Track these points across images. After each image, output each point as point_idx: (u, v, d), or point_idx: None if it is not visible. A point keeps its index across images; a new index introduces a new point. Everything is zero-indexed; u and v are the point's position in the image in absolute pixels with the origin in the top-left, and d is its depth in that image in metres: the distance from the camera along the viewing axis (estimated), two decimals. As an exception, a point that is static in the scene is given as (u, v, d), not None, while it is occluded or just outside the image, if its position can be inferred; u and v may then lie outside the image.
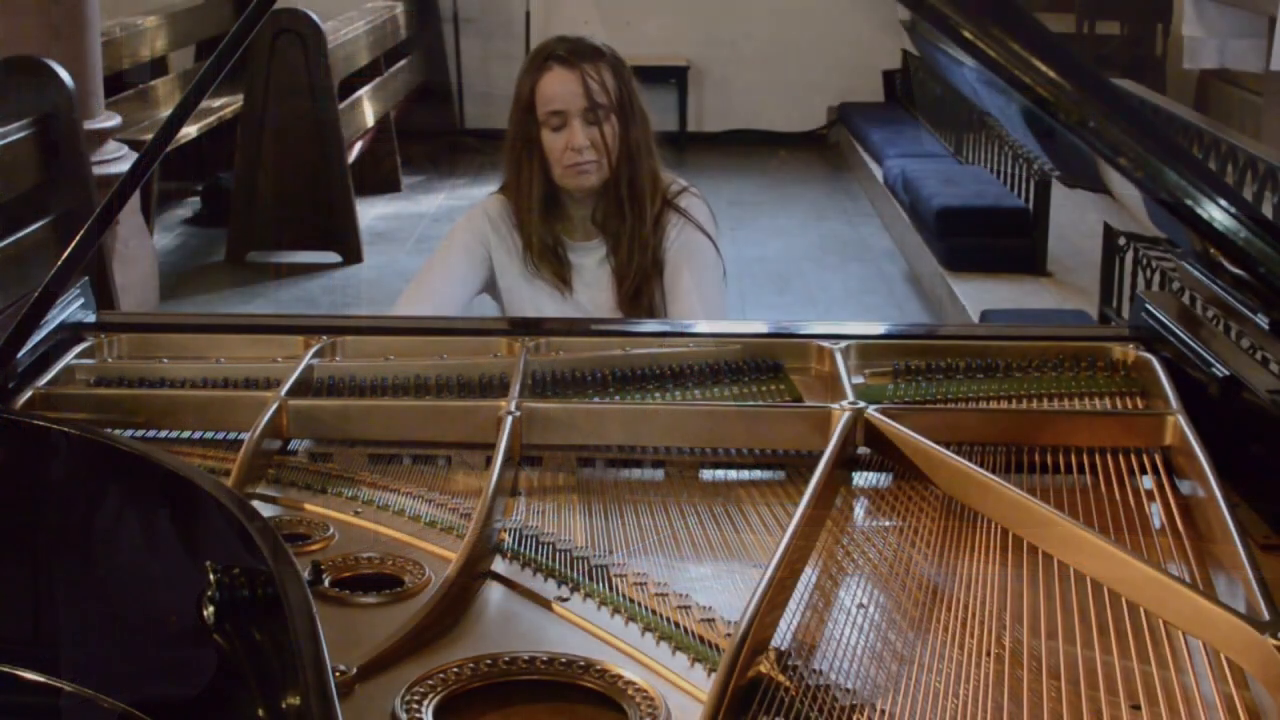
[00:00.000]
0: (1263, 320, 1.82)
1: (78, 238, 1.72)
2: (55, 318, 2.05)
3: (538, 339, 2.13)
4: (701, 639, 1.38)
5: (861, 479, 1.76)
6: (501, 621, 1.45)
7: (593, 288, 2.81)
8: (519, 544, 1.59)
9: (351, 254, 6.84)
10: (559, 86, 2.72)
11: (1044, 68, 1.55)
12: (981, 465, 1.69)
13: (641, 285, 2.77)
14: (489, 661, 1.33)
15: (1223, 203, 1.59)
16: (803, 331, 2.18)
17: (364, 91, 7.56)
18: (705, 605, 1.44)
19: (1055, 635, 1.39)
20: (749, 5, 9.52)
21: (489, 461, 1.73)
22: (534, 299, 2.80)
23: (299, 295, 6.41)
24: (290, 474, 1.80)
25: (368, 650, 1.32)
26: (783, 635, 1.37)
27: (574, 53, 2.73)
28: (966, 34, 1.55)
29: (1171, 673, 1.32)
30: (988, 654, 1.35)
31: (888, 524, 1.65)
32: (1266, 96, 6.62)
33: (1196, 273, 2.01)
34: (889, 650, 1.36)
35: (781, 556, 1.43)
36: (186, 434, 1.91)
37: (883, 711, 1.26)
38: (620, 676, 1.31)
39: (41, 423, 1.78)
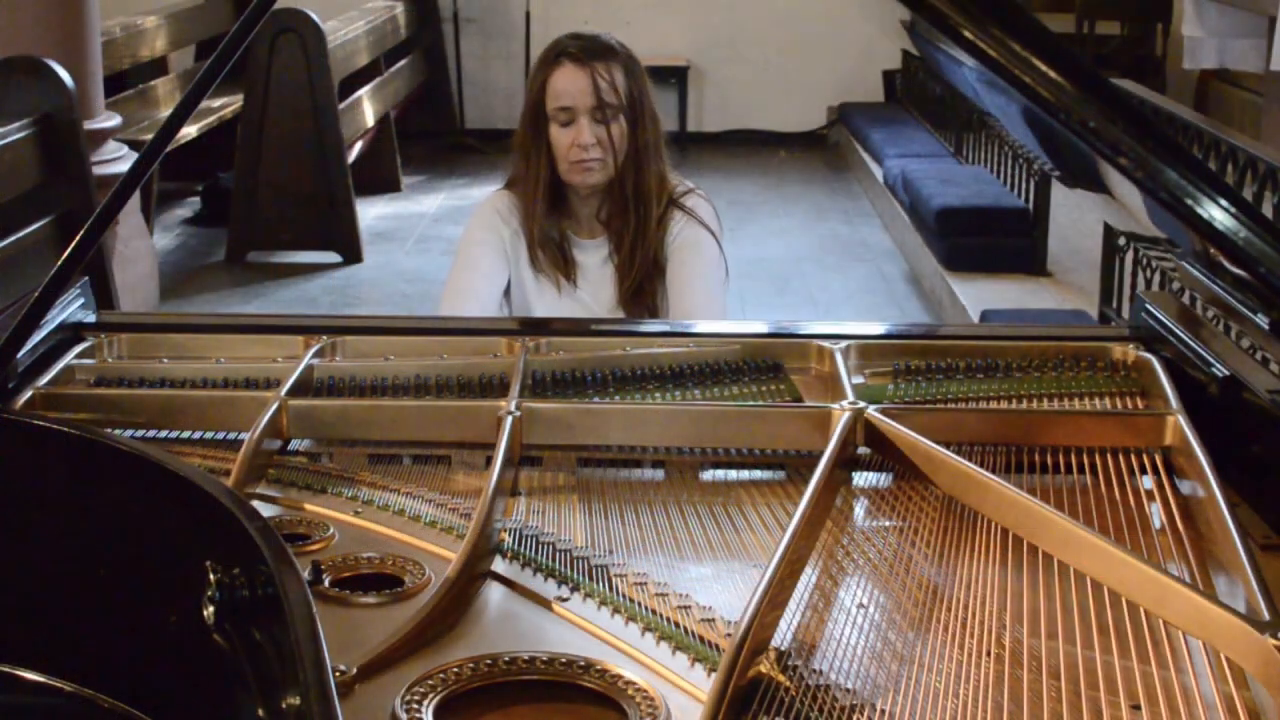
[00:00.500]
0: (1263, 320, 1.82)
1: (78, 238, 1.72)
2: (55, 318, 2.05)
3: (538, 339, 2.13)
4: (701, 639, 1.38)
5: (861, 479, 1.76)
6: (501, 621, 1.45)
7: (596, 285, 2.81)
8: (519, 544, 1.59)
9: (351, 254, 6.85)
10: (569, 83, 2.73)
11: (1044, 68, 1.55)
12: (981, 465, 1.69)
13: (643, 283, 2.78)
14: (489, 661, 1.33)
15: (1223, 203, 1.59)
16: (803, 331, 2.18)
17: (364, 91, 7.56)
18: (705, 605, 1.44)
19: (1055, 635, 1.39)
20: (749, 5, 9.52)
21: (489, 461, 1.73)
22: (538, 293, 2.81)
23: (299, 295, 6.41)
24: (290, 474, 1.79)
25: (368, 650, 1.32)
26: (783, 635, 1.37)
27: (586, 50, 2.74)
28: (966, 34, 1.55)
29: (1171, 673, 1.32)
30: (988, 654, 1.35)
31: (888, 524, 1.65)
32: (1266, 96, 6.62)
33: (1196, 273, 2.01)
34: (889, 650, 1.36)
35: (781, 556, 1.43)
36: (186, 434, 1.91)
37: (883, 711, 1.26)
38: (620, 676, 1.31)
39: (41, 423, 1.78)
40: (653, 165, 2.78)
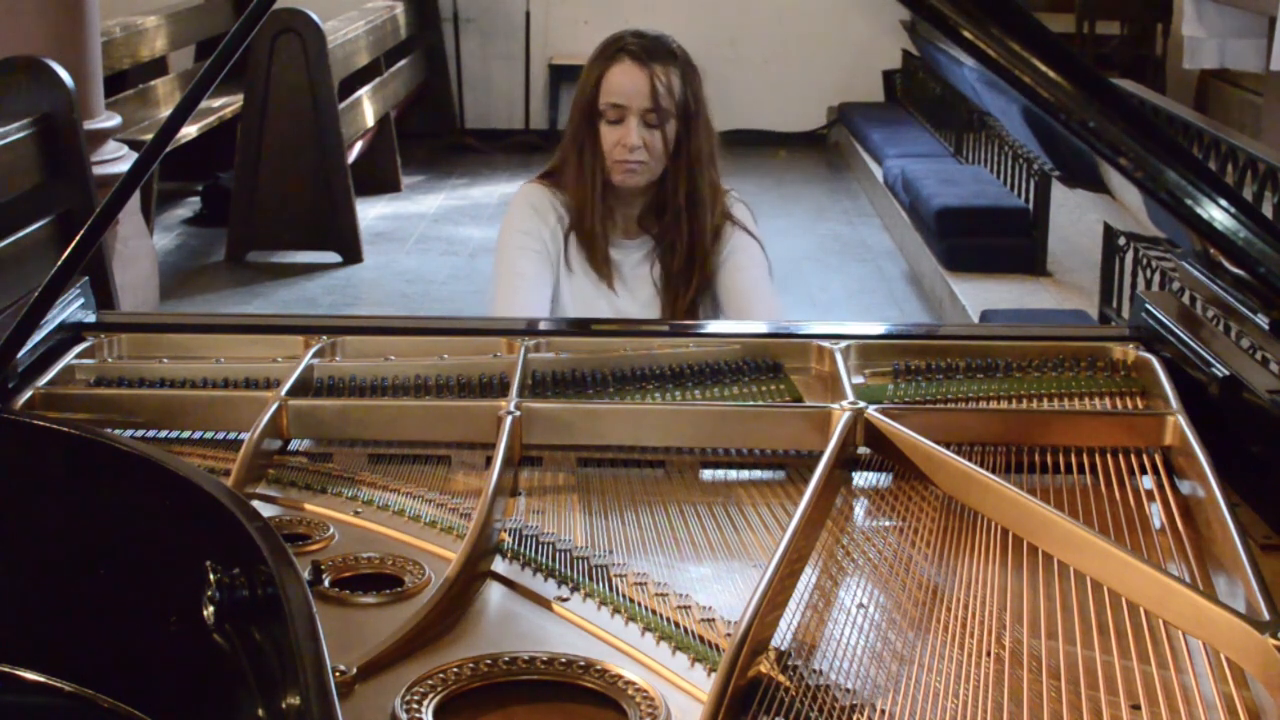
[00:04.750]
0: (1263, 320, 1.82)
1: (78, 238, 1.72)
2: (55, 318, 2.05)
3: (538, 339, 2.13)
4: (701, 639, 1.38)
5: (861, 479, 1.76)
6: (501, 621, 1.45)
7: (632, 285, 2.79)
8: (519, 544, 1.59)
9: (351, 254, 6.85)
10: (625, 81, 2.69)
11: (1044, 68, 1.55)
12: (981, 465, 1.69)
13: (698, 297, 2.77)
14: (489, 661, 1.33)
15: (1223, 203, 1.59)
16: (803, 331, 2.18)
17: (364, 91, 7.56)
18: (705, 605, 1.44)
19: (1055, 635, 1.39)
20: (749, 5, 9.53)
21: (489, 461, 1.73)
22: (572, 291, 2.77)
23: (299, 295, 6.41)
24: (290, 474, 1.79)
25: (368, 650, 1.32)
26: (783, 635, 1.37)
27: (647, 50, 2.71)
28: (966, 34, 1.55)
29: (1171, 673, 1.32)
30: (988, 654, 1.35)
31: (888, 524, 1.65)
32: (1266, 96, 6.62)
33: (1196, 273, 2.01)
34: (889, 650, 1.36)
35: (781, 556, 1.42)
36: (186, 434, 1.91)
37: (883, 711, 1.26)
38: (620, 676, 1.31)
39: (41, 423, 1.78)
40: (706, 174, 2.76)
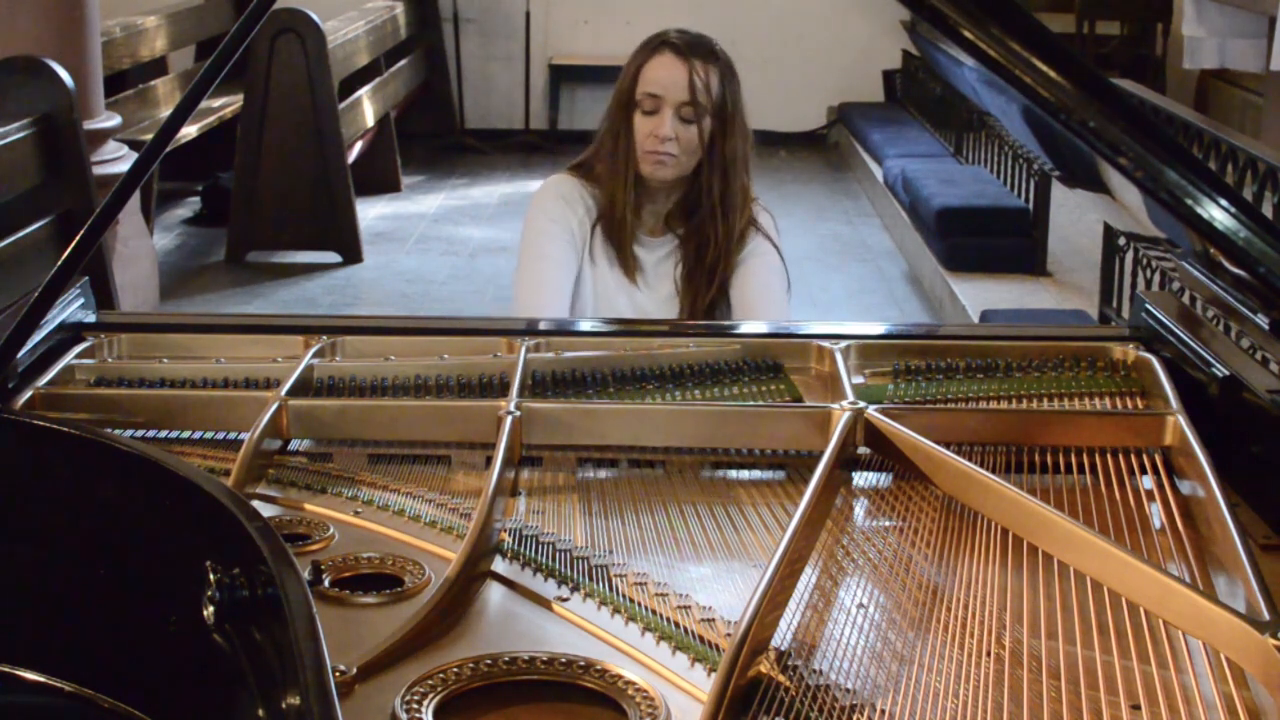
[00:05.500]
0: (1263, 320, 1.82)
1: (78, 238, 1.72)
2: (55, 318, 2.05)
3: (538, 339, 2.13)
4: (701, 639, 1.38)
5: (861, 479, 1.76)
6: (501, 621, 1.45)
7: (653, 281, 2.81)
8: (519, 544, 1.59)
9: (351, 254, 6.85)
10: (664, 73, 2.71)
11: (1044, 68, 1.55)
12: (981, 465, 1.69)
13: (716, 297, 2.77)
14: (489, 661, 1.33)
15: (1223, 203, 1.59)
16: (803, 331, 2.18)
17: (364, 91, 7.56)
18: (705, 605, 1.44)
19: (1055, 635, 1.39)
20: (749, 5, 9.53)
21: (489, 461, 1.73)
22: (594, 284, 2.79)
23: (299, 295, 6.41)
24: (290, 474, 1.79)
25: (368, 650, 1.32)
26: (783, 635, 1.37)
27: (689, 46, 2.73)
28: (966, 34, 1.55)
29: (1171, 673, 1.32)
30: (988, 654, 1.35)
31: (888, 524, 1.65)
32: (1266, 96, 6.62)
33: (1196, 273, 2.01)
34: (889, 650, 1.36)
35: (781, 556, 1.43)
36: (186, 434, 1.91)
37: (883, 711, 1.26)
38: (620, 676, 1.31)
39: (41, 423, 1.78)
40: (739, 178, 2.76)
